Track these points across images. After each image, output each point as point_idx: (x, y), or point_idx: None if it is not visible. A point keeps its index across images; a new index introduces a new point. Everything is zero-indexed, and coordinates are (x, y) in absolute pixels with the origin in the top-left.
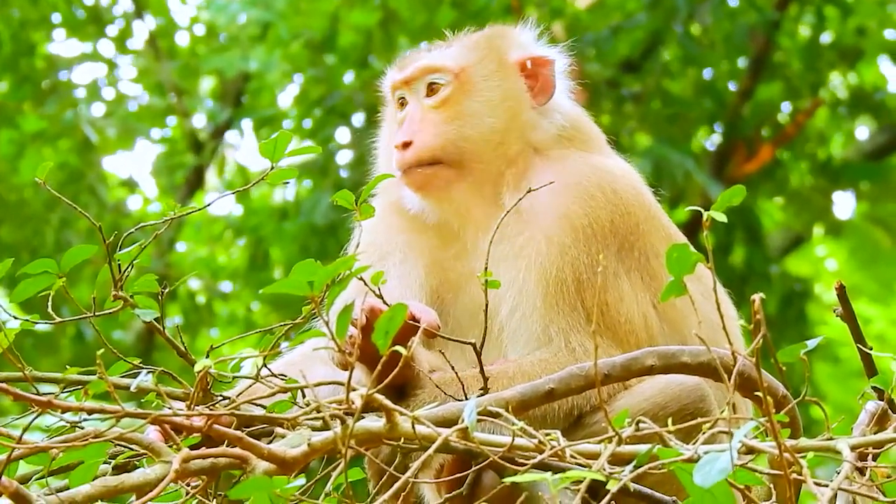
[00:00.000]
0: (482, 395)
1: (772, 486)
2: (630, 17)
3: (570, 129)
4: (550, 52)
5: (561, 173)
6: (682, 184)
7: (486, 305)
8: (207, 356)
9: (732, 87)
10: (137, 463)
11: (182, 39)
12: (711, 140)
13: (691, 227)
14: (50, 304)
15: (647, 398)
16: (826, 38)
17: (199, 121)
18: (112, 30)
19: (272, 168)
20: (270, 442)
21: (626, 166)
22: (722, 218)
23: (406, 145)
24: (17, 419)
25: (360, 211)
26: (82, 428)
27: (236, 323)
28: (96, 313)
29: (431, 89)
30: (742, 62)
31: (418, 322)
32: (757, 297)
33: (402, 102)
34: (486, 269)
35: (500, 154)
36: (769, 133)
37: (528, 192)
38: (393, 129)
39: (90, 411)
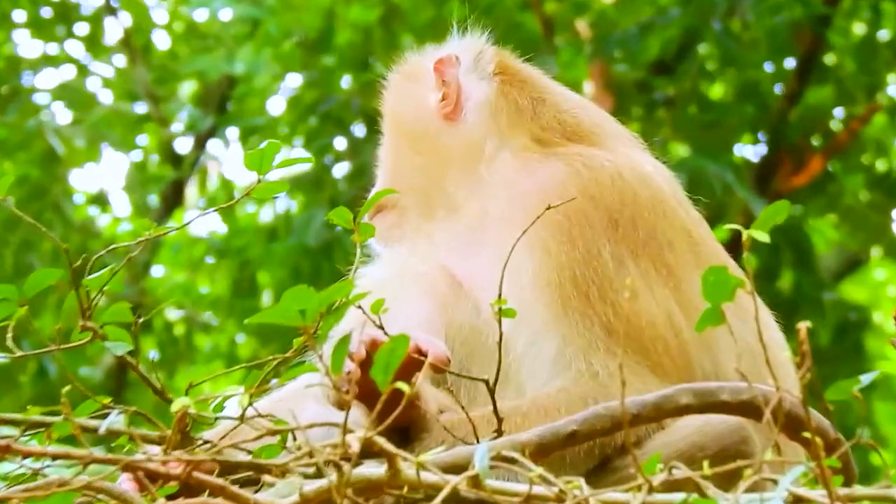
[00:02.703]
0: (495, 437)
1: None
2: (662, 13)
3: (552, 123)
4: (453, 48)
5: (527, 169)
6: (721, 199)
7: (500, 338)
8: (186, 394)
9: (778, 90)
10: None
11: (160, 39)
12: (754, 150)
13: (732, 248)
14: (10, 335)
15: (685, 437)
16: (883, 35)
17: (178, 130)
18: (81, 28)
19: (259, 181)
20: (257, 491)
21: (625, 152)
22: (764, 238)
23: None
24: None
25: (359, 231)
26: (45, 475)
27: (219, 357)
28: (61, 346)
29: None
30: (788, 63)
31: (424, 355)
32: (803, 325)
33: None
34: (499, 296)
35: (422, 182)
36: (819, 142)
37: (548, 208)
38: None
39: (54, 456)
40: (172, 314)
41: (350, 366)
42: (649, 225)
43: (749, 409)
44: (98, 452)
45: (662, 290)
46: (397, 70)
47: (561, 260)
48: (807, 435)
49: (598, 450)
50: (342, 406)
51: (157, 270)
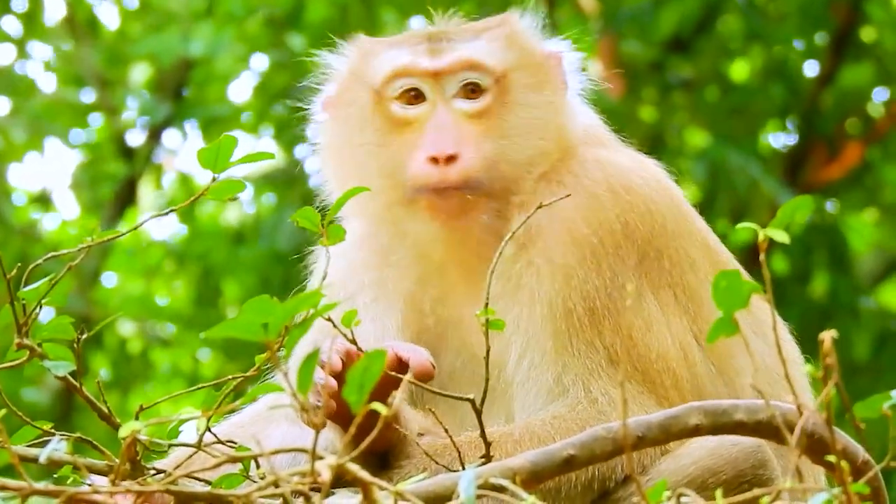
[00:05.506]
0: (483, 464)
1: None
2: None
3: (586, 128)
4: (560, 46)
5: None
6: (744, 194)
7: (487, 352)
8: (137, 418)
9: (809, 70)
10: None
11: (107, 16)
12: (783, 138)
13: (754, 250)
14: None
15: (695, 461)
16: None
17: (130, 119)
18: (19, 4)
19: (214, 180)
20: None
21: (645, 161)
22: (784, 238)
23: (450, 159)
24: None
25: (328, 234)
26: None
27: (180, 377)
28: None
29: (470, 91)
30: (821, 38)
31: (406, 365)
32: (827, 334)
33: (415, 97)
34: (485, 305)
35: (536, 178)
36: (856, 129)
37: (539, 206)
38: (387, 128)
39: None
40: (127, 328)
41: (321, 376)
42: (675, 251)
43: (767, 429)
44: (38, 484)
45: (680, 321)
46: (521, 36)
47: (586, 288)
48: (832, 458)
49: (597, 482)
50: (315, 426)
51: (108, 278)
